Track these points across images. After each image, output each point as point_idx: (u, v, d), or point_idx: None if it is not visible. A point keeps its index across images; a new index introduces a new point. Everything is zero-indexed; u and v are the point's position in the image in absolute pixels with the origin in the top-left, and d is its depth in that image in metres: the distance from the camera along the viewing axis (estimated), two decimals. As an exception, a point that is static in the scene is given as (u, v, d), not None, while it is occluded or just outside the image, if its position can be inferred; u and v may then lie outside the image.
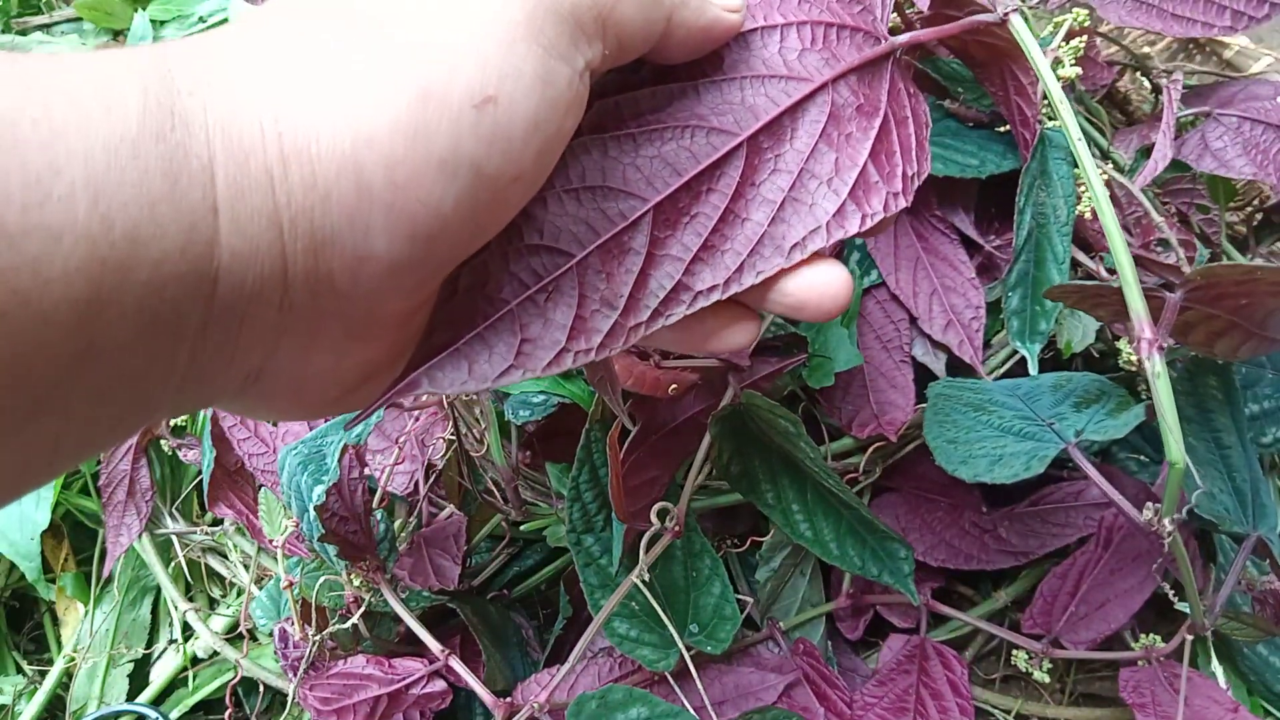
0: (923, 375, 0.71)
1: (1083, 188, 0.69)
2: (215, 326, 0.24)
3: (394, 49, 0.24)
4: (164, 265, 0.22)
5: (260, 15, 0.26)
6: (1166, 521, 0.43)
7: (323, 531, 0.60)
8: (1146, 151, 0.78)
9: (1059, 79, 0.69)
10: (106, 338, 0.22)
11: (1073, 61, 0.68)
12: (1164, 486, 0.42)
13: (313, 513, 0.59)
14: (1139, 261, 0.74)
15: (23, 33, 1.15)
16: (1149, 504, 0.44)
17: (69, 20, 1.17)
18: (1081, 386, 0.60)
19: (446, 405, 0.63)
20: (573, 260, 0.30)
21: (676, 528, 0.56)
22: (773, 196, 0.31)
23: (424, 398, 0.66)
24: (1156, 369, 0.32)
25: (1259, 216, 0.85)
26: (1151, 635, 0.65)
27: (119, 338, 0.22)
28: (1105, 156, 0.78)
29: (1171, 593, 0.61)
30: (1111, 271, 0.73)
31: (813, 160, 0.31)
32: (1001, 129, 0.71)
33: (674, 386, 0.59)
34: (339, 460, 0.59)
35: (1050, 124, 0.67)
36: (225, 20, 1.09)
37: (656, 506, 0.55)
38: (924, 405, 0.69)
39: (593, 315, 0.30)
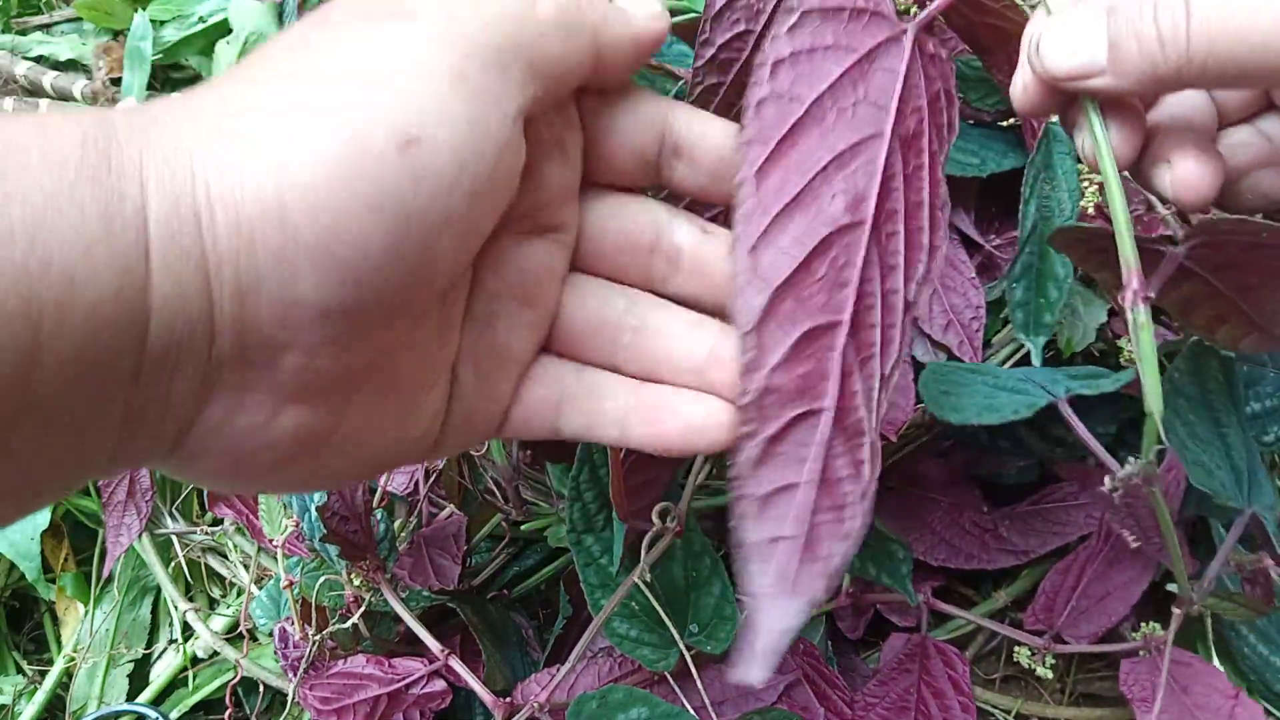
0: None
1: (1086, 183, 0.69)
2: (147, 376, 0.24)
3: (322, 97, 0.25)
4: (99, 308, 0.22)
5: (208, 82, 0.27)
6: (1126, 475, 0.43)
7: (325, 532, 0.60)
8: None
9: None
10: (44, 384, 0.22)
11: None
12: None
13: (314, 513, 0.59)
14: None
15: (23, 33, 1.15)
16: (1129, 459, 0.44)
17: (69, 20, 1.17)
18: (1083, 372, 0.60)
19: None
20: None
21: (678, 528, 0.56)
22: None
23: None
24: (1140, 320, 0.32)
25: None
26: (1151, 624, 0.65)
27: (57, 384, 0.22)
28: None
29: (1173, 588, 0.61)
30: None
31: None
32: (1004, 123, 0.71)
33: None
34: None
35: (1053, 119, 0.67)
36: (225, 20, 1.09)
37: (658, 507, 0.55)
38: (924, 406, 0.69)
39: None
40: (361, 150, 0.24)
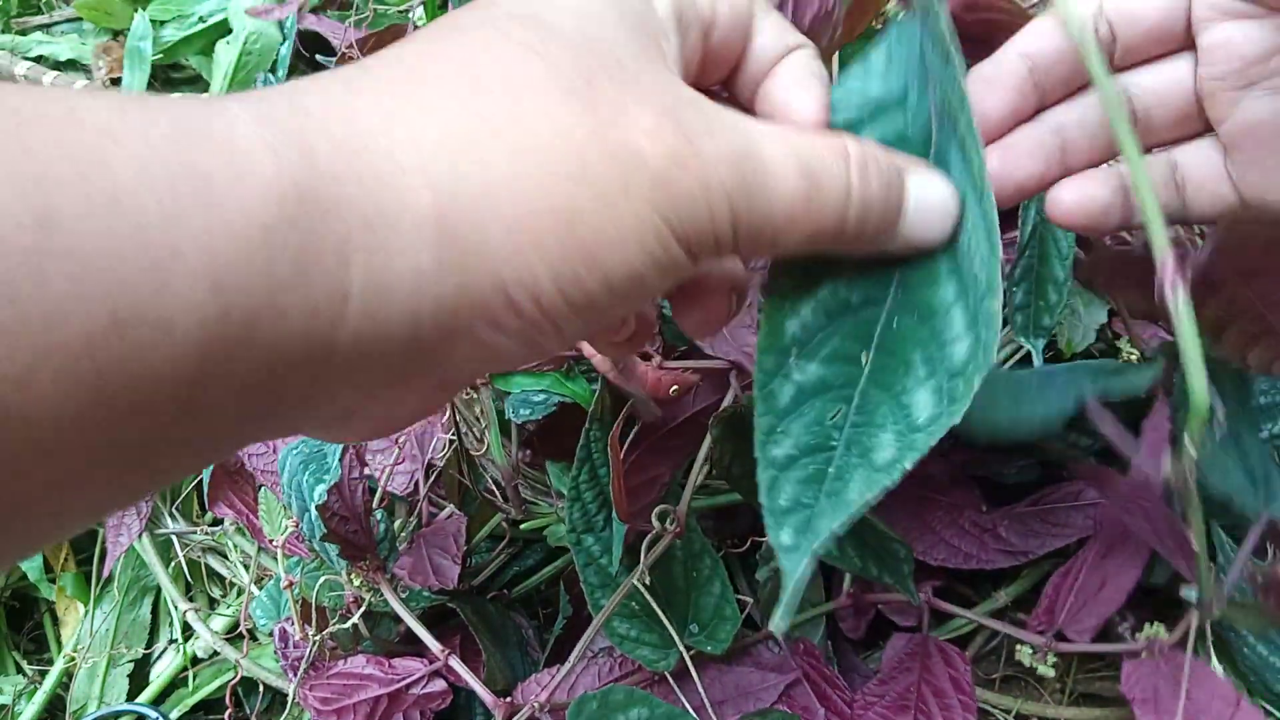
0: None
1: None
2: (321, 390, 0.24)
3: (550, 178, 0.24)
4: (280, 345, 0.21)
5: (398, 82, 0.24)
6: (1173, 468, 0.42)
7: (325, 531, 0.60)
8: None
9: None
10: (206, 405, 0.21)
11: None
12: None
13: (314, 512, 0.59)
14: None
15: (23, 33, 1.15)
16: (1169, 451, 0.44)
17: (69, 20, 1.17)
18: (1097, 365, 0.60)
19: (447, 404, 0.63)
20: None
21: (678, 529, 0.56)
22: None
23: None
24: (1180, 303, 0.31)
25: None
26: (1156, 625, 0.65)
27: (219, 404, 0.21)
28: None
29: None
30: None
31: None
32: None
33: (675, 388, 0.59)
34: (340, 460, 0.59)
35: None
36: (225, 20, 1.09)
37: (658, 509, 0.55)
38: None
39: None
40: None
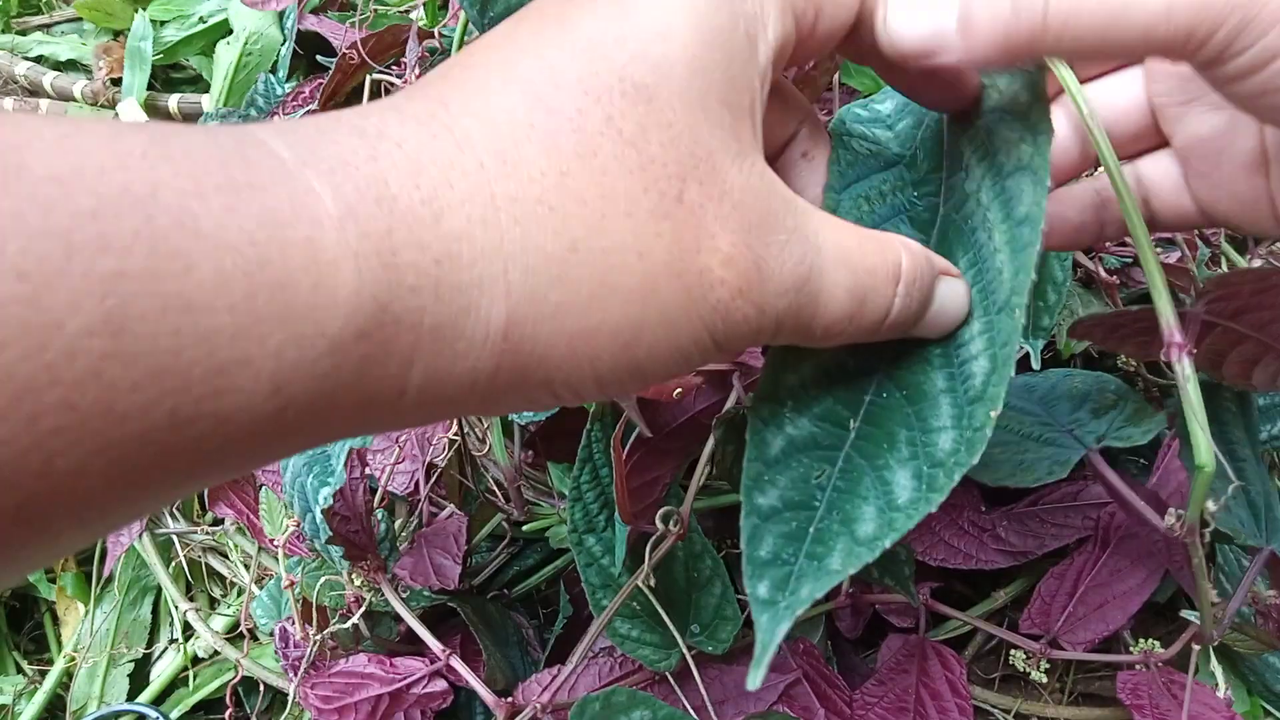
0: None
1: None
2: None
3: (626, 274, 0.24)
4: (332, 433, 0.22)
5: (488, 170, 0.23)
6: (1182, 525, 0.43)
7: (330, 534, 0.60)
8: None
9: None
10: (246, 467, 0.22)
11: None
12: (1183, 490, 0.42)
13: (319, 515, 0.59)
14: (1139, 262, 0.74)
15: (23, 33, 1.15)
16: (1171, 509, 0.44)
17: (69, 20, 1.17)
18: (1096, 389, 0.60)
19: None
20: None
21: (681, 530, 0.56)
22: None
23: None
24: (1186, 373, 0.32)
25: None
26: (1150, 640, 0.65)
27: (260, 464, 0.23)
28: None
29: (1184, 606, 0.61)
30: (1110, 272, 0.73)
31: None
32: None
33: (679, 391, 0.59)
34: (344, 464, 0.59)
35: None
36: (225, 20, 1.09)
37: (662, 510, 0.56)
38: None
39: None
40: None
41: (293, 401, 0.20)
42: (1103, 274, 0.72)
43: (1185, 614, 0.58)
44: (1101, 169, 0.33)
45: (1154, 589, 0.67)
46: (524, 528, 0.75)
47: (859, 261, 0.28)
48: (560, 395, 0.25)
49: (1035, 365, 0.66)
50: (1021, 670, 0.67)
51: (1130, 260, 0.76)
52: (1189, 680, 0.58)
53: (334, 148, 0.22)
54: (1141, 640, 0.65)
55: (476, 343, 0.23)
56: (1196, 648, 0.57)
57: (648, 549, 0.55)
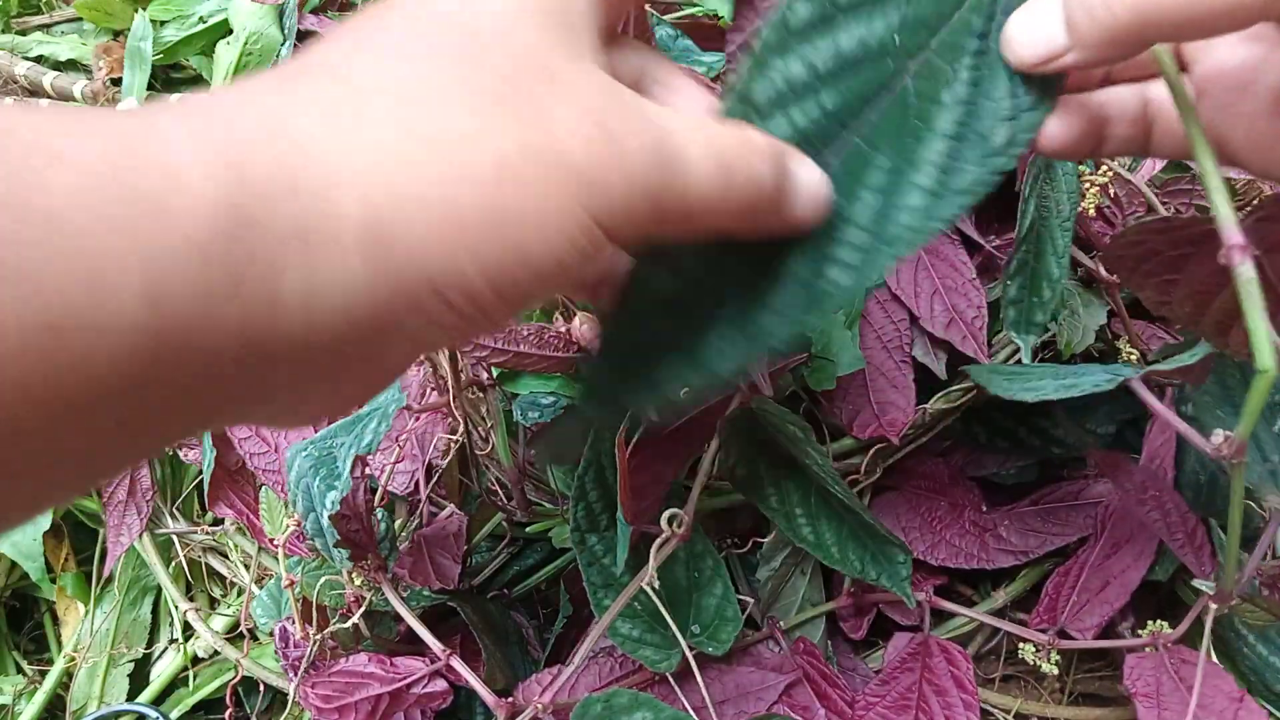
0: (922, 376, 0.71)
1: (1087, 184, 0.69)
2: (263, 388, 0.24)
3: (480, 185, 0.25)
4: (216, 350, 0.22)
5: (328, 93, 0.25)
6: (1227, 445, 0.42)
7: (338, 538, 0.60)
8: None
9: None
10: (145, 407, 0.22)
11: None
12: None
13: (327, 520, 0.59)
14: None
15: (23, 33, 1.15)
16: (1218, 430, 0.44)
17: (69, 20, 1.17)
18: (1094, 382, 0.60)
19: (453, 404, 0.63)
20: None
21: (684, 532, 0.56)
22: None
23: (431, 398, 0.66)
24: (1249, 274, 0.32)
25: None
26: (1159, 621, 0.65)
27: (160, 405, 0.22)
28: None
29: (1183, 589, 0.61)
30: (1111, 271, 0.73)
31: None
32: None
33: (683, 390, 0.59)
34: (351, 469, 0.59)
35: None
36: (225, 20, 1.09)
37: (668, 512, 0.56)
38: (924, 407, 0.69)
39: None
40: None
41: (171, 315, 0.21)
42: (1103, 273, 0.72)
43: (1195, 583, 0.58)
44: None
45: (1150, 561, 0.68)
46: (527, 529, 0.75)
47: (715, 135, 0.29)
48: (453, 301, 0.25)
49: (1026, 360, 0.66)
50: (1030, 665, 0.67)
51: (1131, 260, 0.76)
52: (1201, 656, 0.58)
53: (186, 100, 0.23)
54: (1150, 623, 0.65)
55: (344, 245, 0.23)
56: (1213, 607, 0.57)
57: (652, 550, 0.55)
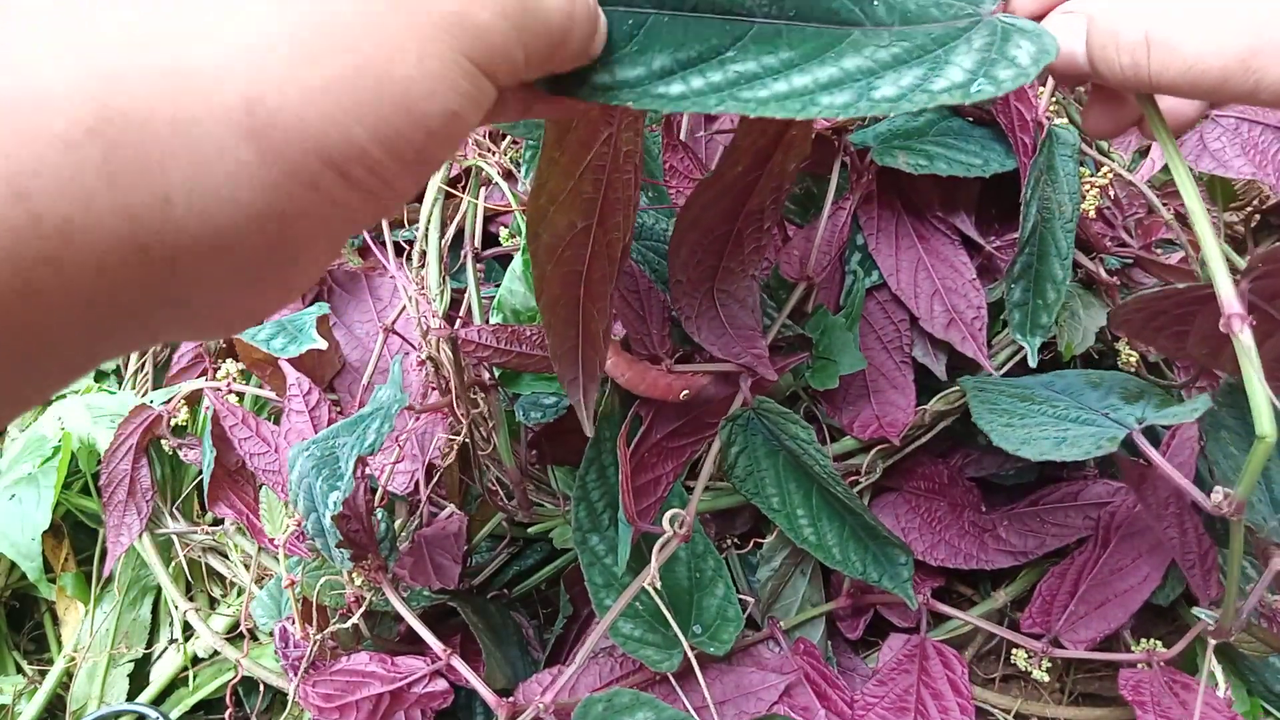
0: (922, 376, 0.71)
1: (1088, 186, 0.69)
2: (171, 292, 0.24)
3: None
4: (102, 248, 0.22)
5: None
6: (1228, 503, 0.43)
7: (340, 538, 0.60)
8: (1145, 152, 0.78)
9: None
10: (42, 317, 0.22)
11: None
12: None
13: (329, 521, 0.58)
14: (1139, 263, 0.74)
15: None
16: (1218, 488, 0.45)
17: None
18: (1118, 384, 0.60)
19: (456, 404, 0.63)
20: None
21: (686, 532, 0.56)
22: None
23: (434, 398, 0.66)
24: (1247, 343, 0.33)
25: (1257, 218, 0.85)
26: (1152, 640, 0.65)
27: (57, 314, 0.22)
28: (1105, 155, 0.78)
29: (1185, 608, 0.61)
30: (1111, 273, 0.73)
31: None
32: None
33: (686, 392, 0.59)
34: (354, 470, 0.59)
35: (1058, 121, 0.67)
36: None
37: (669, 513, 0.56)
38: (924, 408, 0.70)
39: None
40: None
41: (44, 211, 0.21)
42: (1103, 274, 0.73)
43: (1196, 611, 0.58)
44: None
45: (1156, 586, 0.67)
46: (529, 530, 0.75)
47: None
48: (351, 173, 0.25)
49: (1032, 363, 0.66)
50: (1023, 669, 0.67)
51: (1130, 261, 0.76)
52: (1202, 678, 0.58)
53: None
54: (1144, 640, 0.65)
55: (229, 134, 0.23)
56: (1213, 642, 0.57)
57: (655, 550, 0.55)
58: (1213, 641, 0.57)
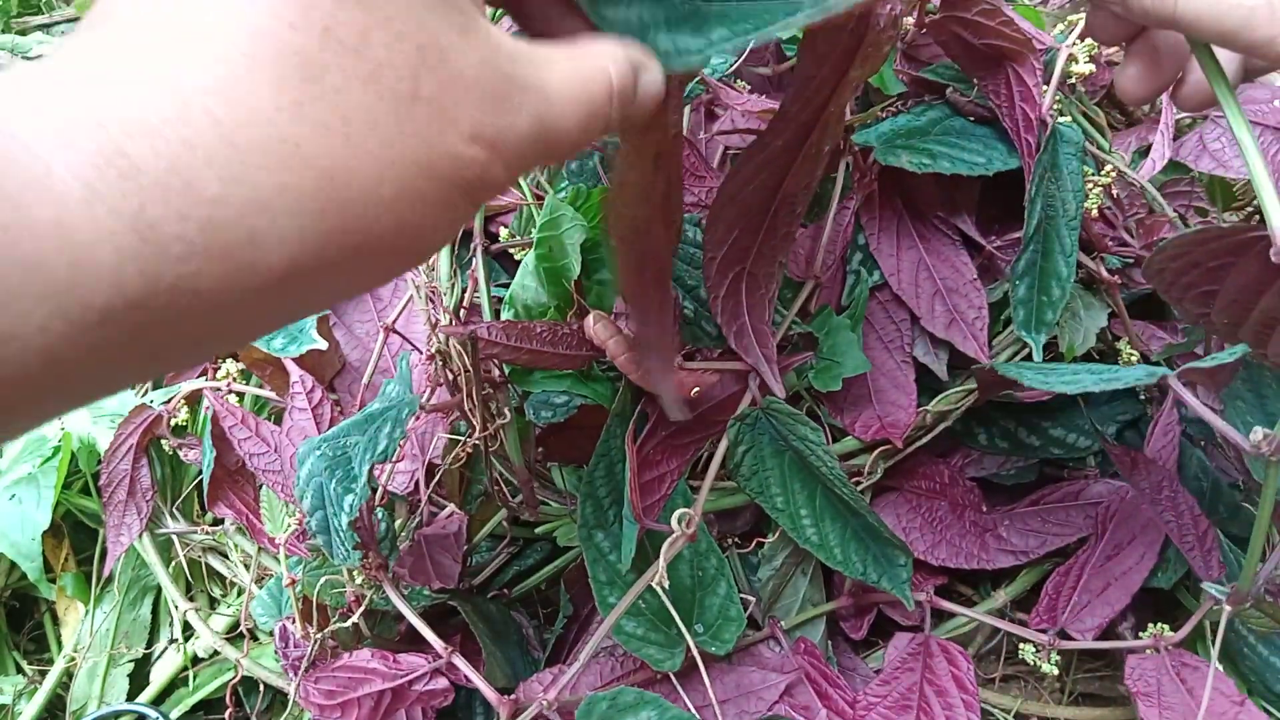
0: (922, 376, 0.71)
1: (1090, 184, 0.70)
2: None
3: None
4: (120, 373, 0.23)
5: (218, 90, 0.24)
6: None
7: (356, 541, 0.60)
8: (1145, 152, 0.78)
9: (1073, 75, 0.70)
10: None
11: (1087, 59, 0.69)
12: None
13: (345, 524, 0.58)
14: (1139, 263, 0.74)
15: (22, 32, 1.15)
16: (1257, 428, 0.46)
17: (69, 20, 1.17)
18: (1134, 377, 0.60)
19: (468, 402, 0.63)
20: None
21: (692, 531, 0.56)
22: None
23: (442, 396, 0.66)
24: None
25: (1257, 218, 0.85)
26: (1160, 624, 0.65)
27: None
28: (1107, 154, 0.78)
29: (1186, 594, 0.61)
30: (1112, 272, 0.74)
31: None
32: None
33: (696, 389, 0.59)
34: (369, 475, 0.59)
35: (1062, 119, 0.67)
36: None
37: (677, 513, 0.56)
38: (926, 409, 0.70)
39: None
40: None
41: (73, 366, 0.21)
42: (1104, 273, 0.73)
43: (1206, 585, 0.58)
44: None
45: (1153, 564, 0.68)
46: (536, 530, 0.75)
47: (581, 93, 0.30)
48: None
49: (1036, 360, 0.66)
50: (1029, 665, 0.67)
51: (1131, 261, 0.76)
52: (1213, 659, 0.58)
53: (62, 106, 0.22)
54: (1151, 625, 0.65)
55: (260, 292, 0.24)
56: (1228, 609, 0.58)
57: (662, 549, 0.55)
58: (1227, 609, 0.57)
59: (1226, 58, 0.41)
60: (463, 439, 0.69)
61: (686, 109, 0.76)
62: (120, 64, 0.23)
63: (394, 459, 0.71)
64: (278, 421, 0.78)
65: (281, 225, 0.23)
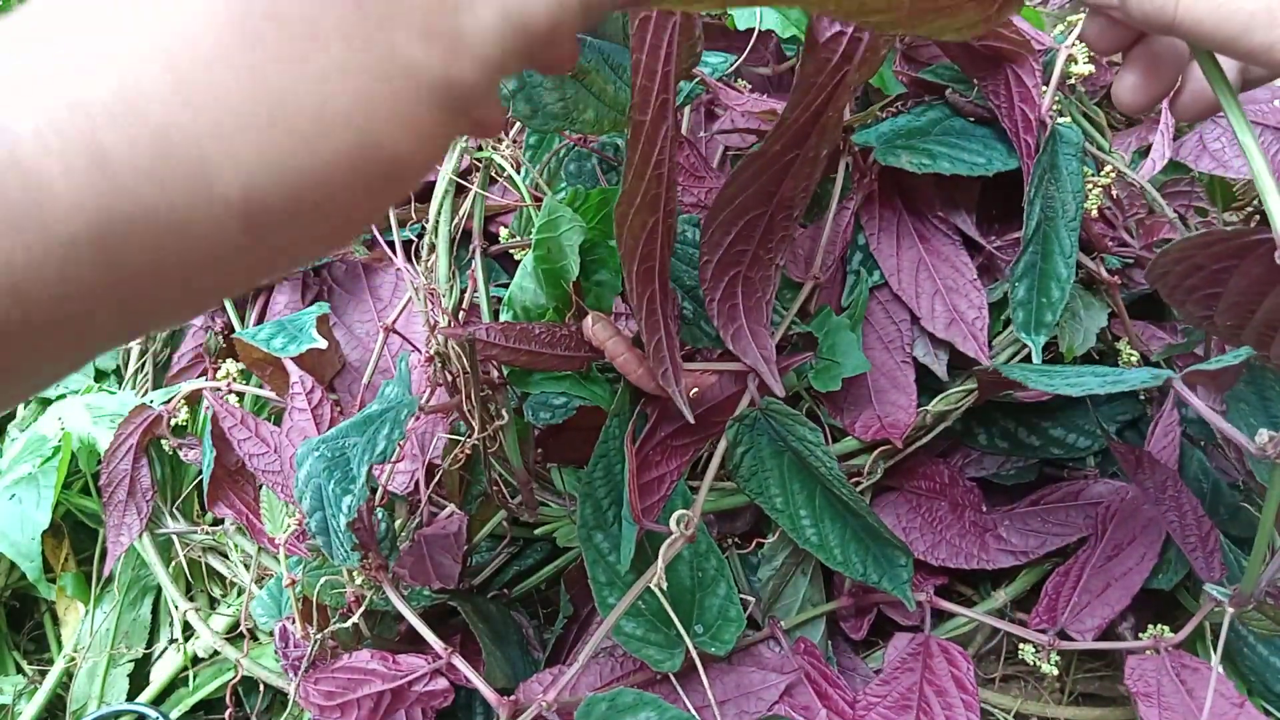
0: (923, 377, 0.71)
1: (1090, 185, 0.69)
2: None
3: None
4: (98, 320, 0.23)
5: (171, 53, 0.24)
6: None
7: (355, 542, 0.60)
8: (1145, 152, 0.78)
9: (1072, 76, 0.70)
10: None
11: (1086, 59, 0.69)
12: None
13: (344, 525, 0.58)
14: (1140, 263, 0.74)
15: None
16: (1263, 430, 0.46)
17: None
18: (1139, 379, 0.61)
19: (466, 404, 0.63)
20: None
21: (691, 533, 0.56)
22: None
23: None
24: None
25: (1257, 219, 0.85)
26: (1160, 625, 0.65)
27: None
28: (1106, 155, 0.78)
29: (1186, 596, 0.61)
30: (1112, 272, 0.73)
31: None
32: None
33: (695, 390, 0.59)
34: (367, 476, 0.59)
35: (1061, 120, 0.67)
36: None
37: (676, 514, 0.56)
38: (926, 409, 0.70)
39: None
40: None
41: (41, 307, 0.21)
42: (1104, 273, 0.73)
43: (1208, 587, 0.58)
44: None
45: (1154, 564, 0.68)
46: (536, 531, 0.75)
47: None
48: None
49: (1036, 362, 0.66)
50: (1029, 665, 0.67)
51: (1131, 261, 0.76)
52: (1215, 660, 0.58)
53: (12, 56, 0.22)
54: (1151, 626, 0.65)
55: (223, 224, 0.24)
56: (1231, 610, 0.58)
57: (661, 550, 0.55)
58: (1230, 610, 0.57)
59: (1225, 67, 0.41)
60: (462, 439, 0.69)
61: (687, 109, 0.76)
62: (65, 8, 0.23)
63: (394, 459, 0.71)
64: (278, 422, 0.78)
65: (235, 147, 0.23)
